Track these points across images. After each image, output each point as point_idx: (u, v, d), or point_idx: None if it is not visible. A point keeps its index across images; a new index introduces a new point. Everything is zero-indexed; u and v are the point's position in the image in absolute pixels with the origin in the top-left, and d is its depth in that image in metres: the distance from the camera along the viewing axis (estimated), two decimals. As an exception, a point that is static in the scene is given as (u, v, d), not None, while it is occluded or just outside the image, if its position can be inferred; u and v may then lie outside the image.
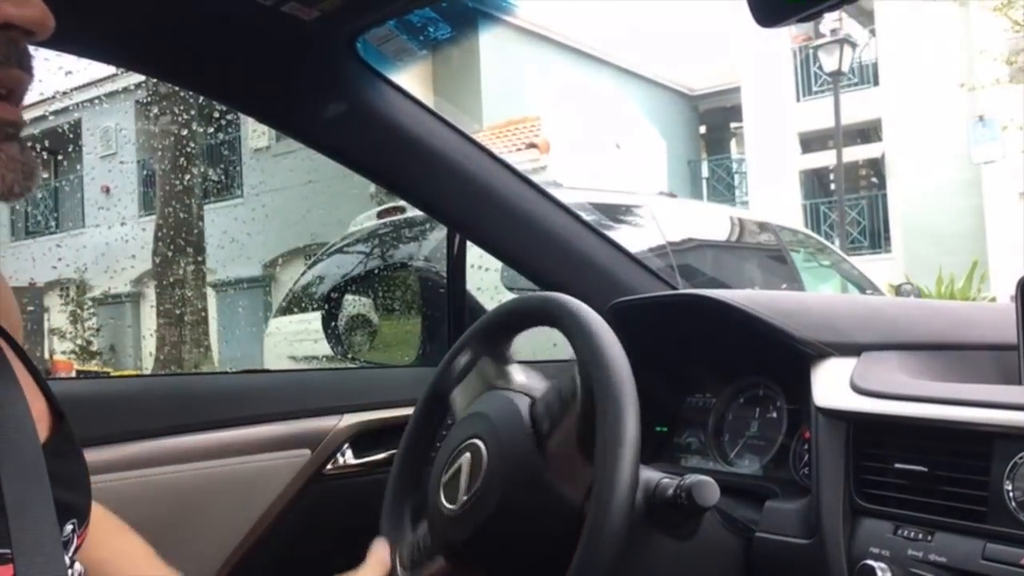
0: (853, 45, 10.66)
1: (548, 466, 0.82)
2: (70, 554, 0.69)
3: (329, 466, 1.33)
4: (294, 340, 5.37)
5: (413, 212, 4.87)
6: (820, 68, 12.82)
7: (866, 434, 0.88)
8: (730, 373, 1.17)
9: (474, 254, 1.46)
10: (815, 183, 14.90)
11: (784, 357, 1.00)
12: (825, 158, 13.75)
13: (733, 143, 18.08)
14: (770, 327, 1.00)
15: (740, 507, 0.98)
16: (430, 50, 1.30)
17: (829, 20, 12.28)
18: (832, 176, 13.84)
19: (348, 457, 1.34)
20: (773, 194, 13.20)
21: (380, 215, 5.25)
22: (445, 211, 1.35)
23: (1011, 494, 0.74)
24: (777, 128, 14.22)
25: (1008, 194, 11.97)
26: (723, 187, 16.45)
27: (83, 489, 0.73)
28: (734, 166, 16.98)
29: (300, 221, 10.31)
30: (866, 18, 14.20)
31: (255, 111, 1.27)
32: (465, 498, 0.85)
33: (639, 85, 15.77)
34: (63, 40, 1.17)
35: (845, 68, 10.52)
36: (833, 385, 0.94)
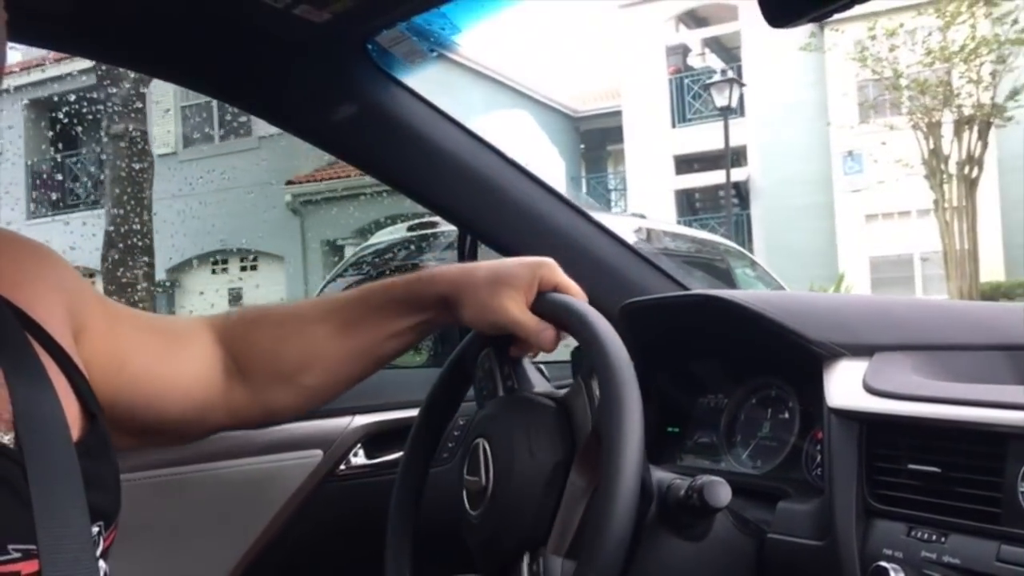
0: (742, 84, 12.36)
1: (560, 498, 0.83)
2: (96, 554, 0.69)
3: (341, 467, 1.33)
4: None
5: (444, 227, 5.31)
6: (693, 98, 16.13)
7: (879, 435, 0.88)
8: (742, 374, 1.17)
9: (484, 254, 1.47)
10: (685, 203, 16.58)
11: (796, 358, 1.00)
12: (695, 180, 15.89)
13: (609, 162, 19.53)
14: (782, 328, 1.00)
15: (752, 508, 0.98)
16: (441, 51, 1.30)
17: (695, 56, 16.35)
18: (698, 196, 16.67)
19: (360, 458, 1.35)
20: (650, 211, 14.38)
21: (410, 228, 5.83)
22: (456, 212, 1.36)
23: (1025, 495, 0.74)
24: (654, 151, 15.85)
25: (856, 217, 14.19)
26: (602, 203, 17.61)
27: (112, 491, 0.74)
28: (611, 183, 18.52)
29: (209, 228, 10.37)
30: (727, 54, 16.83)
31: (266, 113, 1.28)
32: (484, 507, 0.86)
33: (527, 104, 16.66)
34: (73, 42, 1.18)
35: (734, 104, 12.26)
36: (846, 386, 0.93)
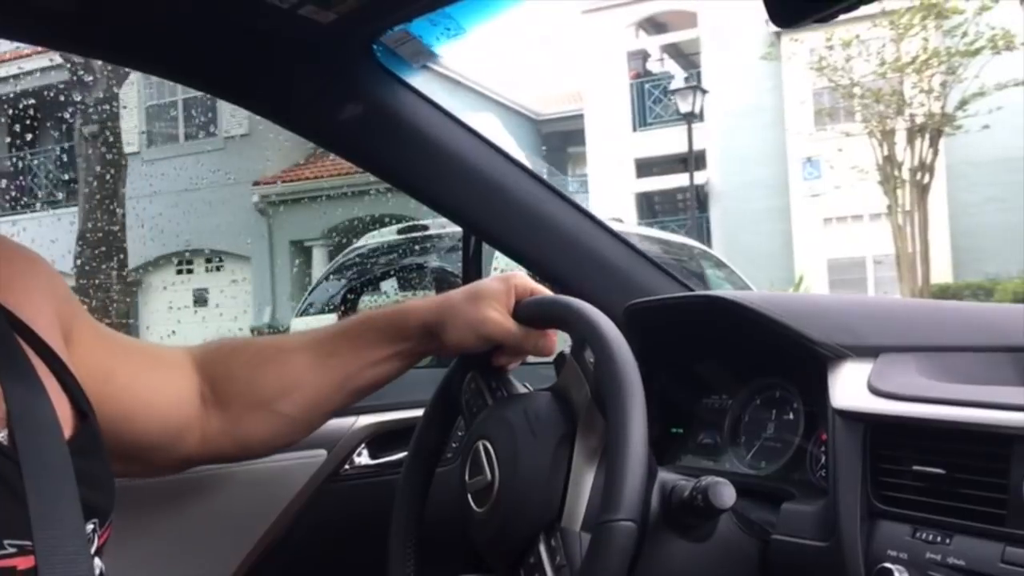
0: (704, 91, 12.81)
1: (569, 470, 0.83)
2: (91, 552, 0.70)
3: (345, 467, 1.33)
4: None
5: (435, 230, 5.48)
6: (654, 102, 16.62)
7: (884, 436, 0.88)
8: (746, 374, 1.17)
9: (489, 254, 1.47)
10: (645, 205, 16.97)
11: (801, 359, 1.00)
12: (655, 183, 16.31)
13: (570, 165, 19.96)
14: (787, 329, 1.00)
15: (756, 509, 0.98)
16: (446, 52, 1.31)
17: (654, 61, 17.10)
18: (658, 199, 17.07)
19: (364, 458, 1.35)
20: (611, 214, 14.58)
21: (400, 231, 5.98)
22: (461, 213, 1.36)
23: (1030, 497, 0.74)
24: (615, 154, 16.17)
25: (812, 220, 14.64)
26: None
27: (106, 489, 0.74)
28: (571, 186, 18.67)
29: (174, 227, 10.31)
30: (685, 60, 17.37)
31: (271, 113, 1.28)
32: (492, 501, 0.86)
33: (490, 107, 16.88)
34: (76, 41, 1.18)
35: (697, 110, 12.73)
36: (850, 387, 0.93)
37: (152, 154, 13.04)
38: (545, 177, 1.36)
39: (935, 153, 11.99)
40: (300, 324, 6.35)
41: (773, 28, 13.26)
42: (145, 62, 1.23)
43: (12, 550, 0.60)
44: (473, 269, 1.47)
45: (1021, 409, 0.77)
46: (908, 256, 12.04)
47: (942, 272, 13.05)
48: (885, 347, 0.97)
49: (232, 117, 13.77)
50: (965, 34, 11.51)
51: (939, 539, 0.80)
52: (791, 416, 1.08)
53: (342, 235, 11.74)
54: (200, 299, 13.07)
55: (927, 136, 11.89)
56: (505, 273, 0.98)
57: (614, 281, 1.33)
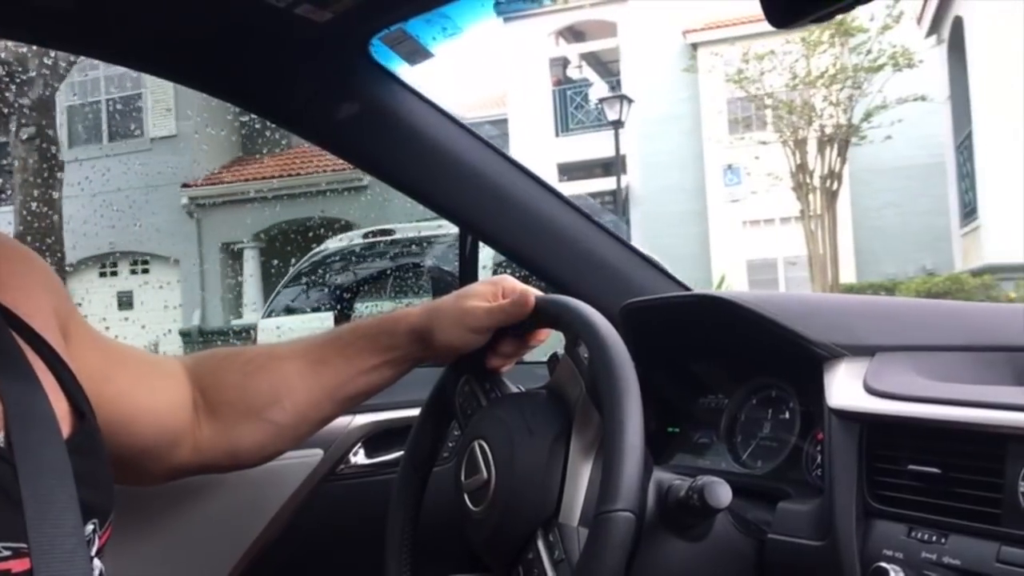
0: (630, 101, 13.39)
1: (565, 466, 0.83)
2: (92, 553, 0.69)
3: (342, 466, 1.33)
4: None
5: (401, 235, 5.64)
6: (575, 108, 17.30)
7: (879, 435, 0.88)
8: (743, 374, 1.17)
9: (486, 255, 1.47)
10: None
11: (797, 358, 1.00)
12: (577, 187, 16.38)
13: None
14: (783, 328, 1.00)
15: (752, 508, 0.98)
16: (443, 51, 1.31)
17: (573, 68, 17.87)
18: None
19: (360, 457, 1.35)
20: None
21: (364, 235, 6.18)
22: (457, 211, 1.36)
23: (1026, 496, 0.74)
24: (539, 158, 16.30)
25: (728, 223, 15.47)
26: None
27: (105, 488, 0.74)
28: None
29: (97, 230, 10.23)
30: (603, 68, 18.18)
31: (268, 113, 1.28)
32: (489, 500, 0.86)
33: None
34: (72, 40, 1.18)
35: (624, 119, 13.34)
36: (846, 386, 0.93)
37: (74, 154, 12.77)
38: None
39: (843, 162, 12.93)
40: (269, 324, 6.51)
41: (690, 40, 16.10)
42: (141, 61, 1.23)
43: (7, 553, 0.60)
44: (470, 268, 1.47)
45: (1016, 409, 0.77)
46: (819, 257, 12.79)
47: (847, 273, 13.81)
48: (881, 346, 0.97)
49: (160, 118, 13.63)
50: (869, 51, 12.52)
51: (935, 538, 0.80)
52: (787, 415, 1.08)
53: (274, 238, 11.67)
54: (124, 302, 12.99)
55: (836, 146, 12.83)
56: (494, 277, 0.98)
57: (610, 280, 1.33)
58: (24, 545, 0.60)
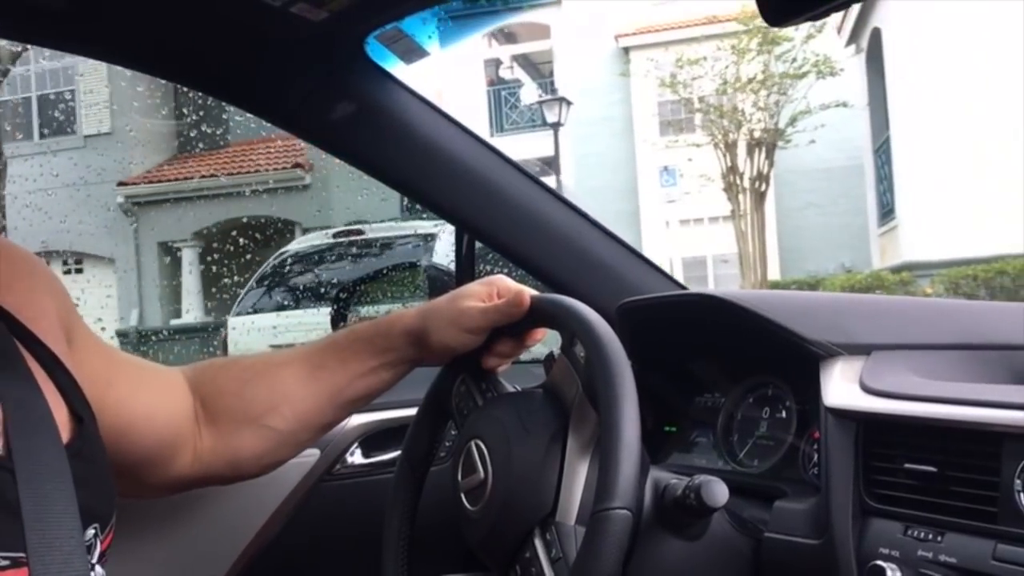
0: (568, 103, 13.72)
1: (562, 465, 0.83)
2: (94, 559, 0.69)
3: (338, 466, 1.33)
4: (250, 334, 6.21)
5: (371, 234, 6.15)
6: (510, 109, 17.97)
7: (876, 434, 0.88)
8: (739, 373, 1.17)
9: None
10: None
11: (793, 357, 1.00)
12: None
13: None
14: (779, 327, 1.00)
15: (749, 507, 0.98)
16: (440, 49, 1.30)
17: (504, 69, 18.50)
18: None
19: (357, 457, 1.35)
20: None
21: (335, 235, 6.39)
22: (453, 211, 1.36)
23: (1021, 494, 0.74)
24: None
25: (660, 223, 16.25)
26: (412, 204, 18.17)
27: (106, 493, 0.73)
28: None
29: (27, 229, 10.15)
30: (534, 70, 18.92)
31: (264, 112, 1.28)
32: (486, 499, 0.86)
33: None
34: (68, 39, 1.18)
35: (563, 121, 13.73)
36: (843, 385, 0.93)
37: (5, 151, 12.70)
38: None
39: (770, 164, 13.63)
40: (238, 322, 6.61)
41: (622, 44, 16.80)
42: (137, 61, 1.23)
43: (6, 563, 0.59)
44: (467, 268, 1.46)
45: (1012, 407, 0.77)
46: (749, 256, 13.38)
47: (772, 270, 14.44)
48: (877, 345, 0.98)
49: (93, 115, 13.40)
50: (794, 60, 13.28)
51: (931, 537, 0.80)
52: (784, 414, 1.09)
53: (214, 237, 11.56)
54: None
55: (764, 149, 13.52)
56: (488, 277, 0.98)
57: (607, 280, 1.33)
58: (22, 555, 0.60)
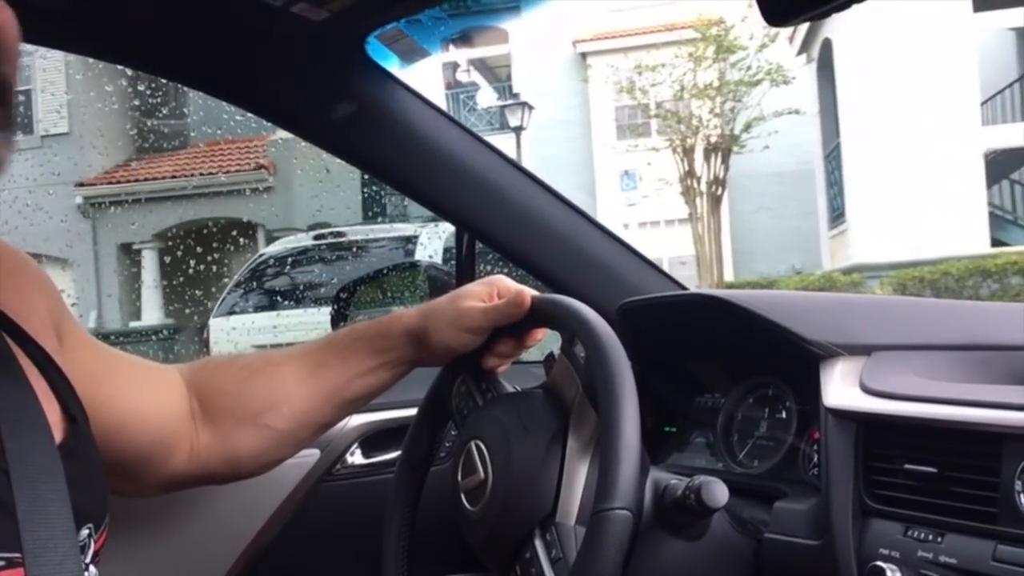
0: (531, 108, 14.09)
1: (562, 466, 0.83)
2: (87, 559, 0.69)
3: (338, 466, 1.33)
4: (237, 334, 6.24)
5: (352, 236, 6.31)
6: (468, 111, 18.05)
7: (876, 435, 0.88)
8: (739, 373, 1.17)
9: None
10: None
11: (793, 357, 1.00)
12: None
13: None
14: (779, 328, 1.00)
15: (749, 508, 0.98)
16: (440, 49, 1.30)
17: (461, 72, 18.85)
18: None
19: (357, 457, 1.35)
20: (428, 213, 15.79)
21: (315, 237, 6.43)
22: (454, 210, 1.36)
23: (1021, 495, 0.74)
24: None
25: (619, 224, 15.75)
26: (375, 206, 18.27)
27: (99, 492, 0.73)
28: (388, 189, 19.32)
29: None
30: (490, 74, 19.20)
31: (264, 111, 1.28)
32: (486, 499, 0.86)
33: None
34: (67, 39, 1.18)
35: (526, 125, 14.02)
36: (843, 385, 0.93)
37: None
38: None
39: (726, 169, 13.96)
40: (219, 323, 6.61)
41: (580, 49, 17.15)
42: (137, 60, 1.23)
43: (1, 563, 0.59)
44: (468, 268, 1.46)
45: (1012, 408, 0.77)
46: (706, 257, 13.70)
47: (726, 272, 14.81)
48: (877, 346, 0.98)
49: (50, 114, 13.20)
50: (749, 67, 13.63)
51: (931, 537, 0.80)
52: (784, 415, 1.08)
53: (175, 238, 11.45)
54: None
55: (720, 154, 13.86)
56: (488, 277, 0.98)
57: (607, 280, 1.33)
58: (18, 555, 0.60)
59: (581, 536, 0.76)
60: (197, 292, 10.70)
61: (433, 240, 5.94)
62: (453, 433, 1.21)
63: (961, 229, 11.89)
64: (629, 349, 0.81)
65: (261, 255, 7.14)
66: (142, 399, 0.90)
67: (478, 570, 1.26)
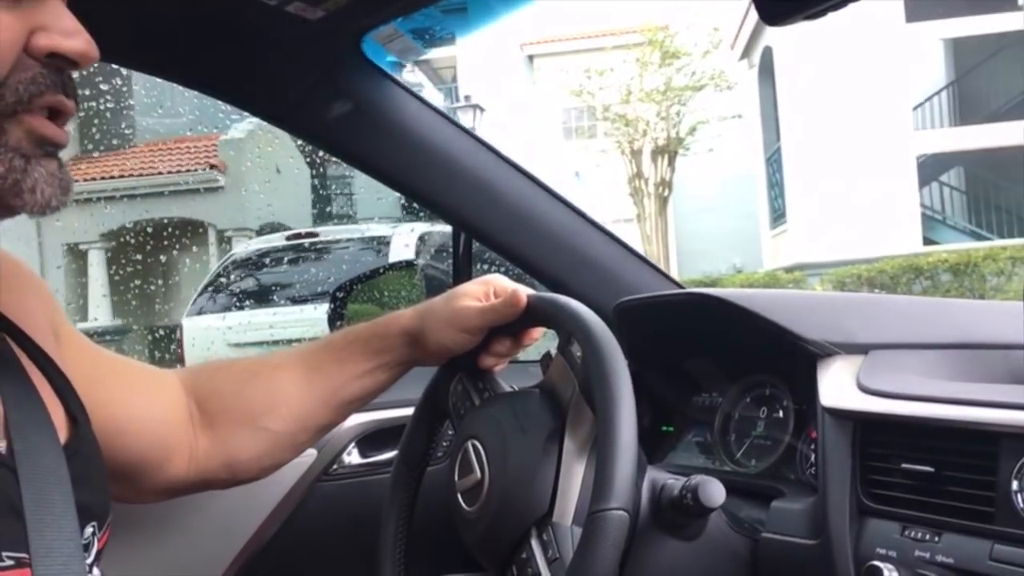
0: (482, 110, 14.11)
1: (559, 465, 0.83)
2: (91, 558, 0.69)
3: (335, 466, 1.33)
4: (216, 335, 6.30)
5: (325, 237, 6.41)
6: None
7: (873, 434, 0.88)
8: (736, 372, 1.17)
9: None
10: (402, 207, 18.41)
11: (790, 356, 1.00)
12: None
13: (330, 166, 20.74)
14: (776, 326, 1.00)
15: (746, 507, 0.98)
16: (434, 48, 1.30)
17: (407, 73, 19.08)
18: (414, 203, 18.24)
19: (354, 456, 1.35)
20: (379, 212, 15.96)
21: (288, 238, 6.57)
22: (450, 209, 1.35)
23: (1018, 495, 0.74)
24: None
25: None
26: (325, 207, 18.36)
27: (102, 492, 0.73)
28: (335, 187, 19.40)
29: None
30: (434, 75, 19.28)
31: (260, 110, 1.28)
32: (482, 499, 0.86)
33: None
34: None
35: (478, 126, 14.23)
36: (840, 385, 0.93)
37: None
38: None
39: (672, 171, 14.68)
40: (191, 323, 6.66)
41: (527, 52, 17.72)
42: (132, 59, 1.23)
43: (10, 563, 0.60)
44: (464, 267, 1.46)
45: (1009, 407, 0.77)
46: (653, 257, 14.12)
47: (672, 271, 15.24)
48: (874, 344, 0.98)
49: None
50: (693, 73, 14.42)
51: (928, 537, 0.80)
52: (781, 414, 1.08)
53: (124, 238, 11.33)
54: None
55: (666, 156, 14.57)
56: (484, 277, 0.98)
57: (603, 279, 1.33)
58: (26, 555, 0.60)
59: (578, 536, 0.76)
60: (147, 293, 10.65)
61: (405, 237, 6.09)
62: (450, 433, 1.21)
63: (895, 229, 12.87)
64: (626, 348, 0.81)
65: (232, 255, 7.20)
66: (139, 403, 0.90)
67: (475, 570, 1.26)
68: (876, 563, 0.81)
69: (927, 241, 13.55)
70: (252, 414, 0.95)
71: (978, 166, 14.54)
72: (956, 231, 14.62)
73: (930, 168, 14.29)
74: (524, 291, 0.92)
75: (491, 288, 0.95)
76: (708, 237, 16.84)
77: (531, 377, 0.98)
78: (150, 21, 1.10)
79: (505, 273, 1.01)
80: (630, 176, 14.56)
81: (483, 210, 1.33)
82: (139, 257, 10.86)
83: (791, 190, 14.10)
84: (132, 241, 11.00)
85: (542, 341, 1.00)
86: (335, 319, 2.15)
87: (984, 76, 14.78)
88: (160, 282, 11.33)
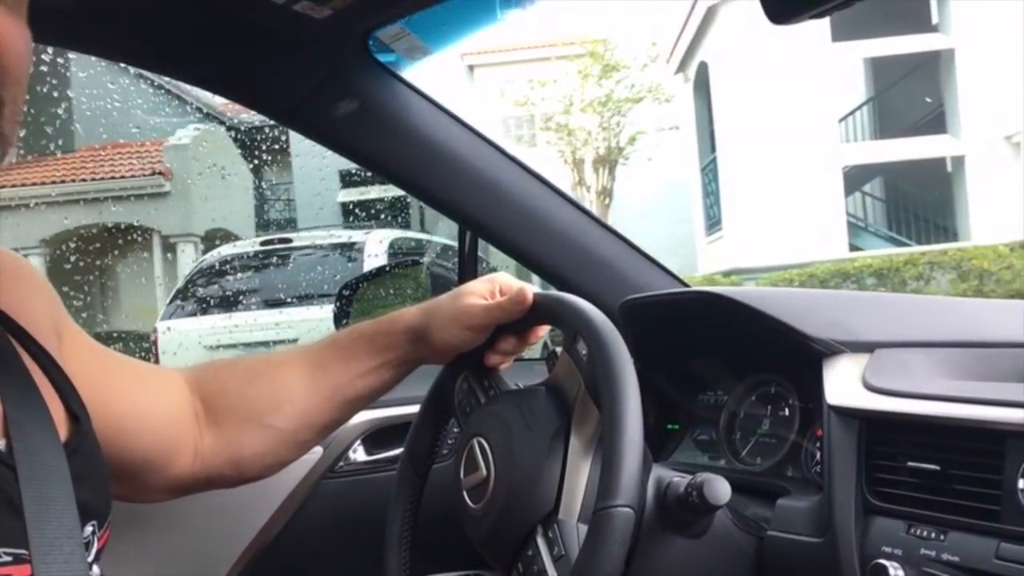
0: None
1: (564, 463, 0.83)
2: (91, 556, 0.69)
3: (341, 463, 1.33)
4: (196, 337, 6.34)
5: (299, 243, 6.56)
6: None
7: (878, 432, 0.88)
8: (742, 370, 1.17)
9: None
10: (345, 214, 18.07)
11: (796, 355, 1.00)
12: (358, 194, 17.12)
13: (273, 171, 19.87)
14: (782, 325, 1.00)
15: (752, 505, 0.98)
16: (441, 48, 1.30)
17: None
18: (357, 208, 17.48)
19: (360, 454, 1.35)
20: (318, 221, 15.92)
21: (263, 243, 6.72)
22: (456, 208, 1.35)
23: (1024, 493, 0.74)
24: (319, 164, 16.49)
25: None
26: (266, 214, 18.40)
27: (102, 490, 0.74)
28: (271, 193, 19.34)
29: None
30: None
31: (267, 109, 1.28)
32: (488, 497, 0.86)
33: (186, 110, 16.39)
34: (79, 39, 1.18)
35: None
36: (845, 383, 0.93)
37: None
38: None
39: (613, 180, 15.12)
40: (167, 326, 6.69)
41: (467, 62, 17.92)
42: (139, 58, 1.23)
43: (8, 559, 0.60)
44: (469, 266, 1.46)
45: (1015, 405, 0.77)
46: None
47: None
48: (880, 343, 0.97)
49: None
50: (632, 85, 14.90)
51: (934, 535, 0.80)
52: (786, 412, 1.08)
53: (64, 243, 11.12)
54: None
55: (607, 166, 14.98)
56: (490, 275, 0.98)
57: (609, 277, 1.33)
58: (25, 551, 0.60)
59: (583, 534, 0.76)
60: (89, 299, 10.51)
61: (375, 246, 6.23)
62: (455, 430, 1.22)
63: (823, 236, 13.52)
64: (631, 346, 0.81)
65: (203, 259, 7.27)
66: (143, 401, 0.90)
67: (480, 567, 1.26)
68: (882, 561, 0.81)
69: (852, 247, 14.27)
70: (257, 412, 0.95)
71: (897, 176, 15.41)
72: (878, 237, 15.39)
73: (854, 178, 15.05)
74: (530, 289, 0.92)
75: (497, 286, 0.95)
76: (644, 243, 16.99)
77: (537, 375, 0.98)
78: (157, 20, 1.11)
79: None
80: (572, 184, 14.86)
81: (489, 208, 1.33)
82: (81, 263, 10.77)
83: (726, 199, 14.74)
84: (73, 247, 10.89)
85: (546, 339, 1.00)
86: (340, 317, 2.15)
87: (901, 93, 15.74)
88: (103, 287, 11.24)
